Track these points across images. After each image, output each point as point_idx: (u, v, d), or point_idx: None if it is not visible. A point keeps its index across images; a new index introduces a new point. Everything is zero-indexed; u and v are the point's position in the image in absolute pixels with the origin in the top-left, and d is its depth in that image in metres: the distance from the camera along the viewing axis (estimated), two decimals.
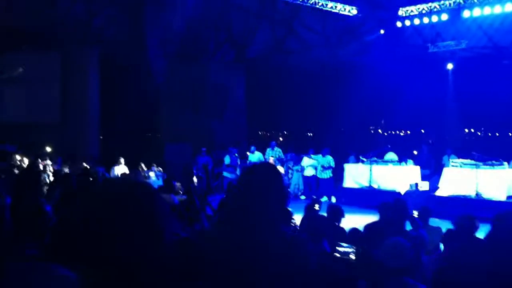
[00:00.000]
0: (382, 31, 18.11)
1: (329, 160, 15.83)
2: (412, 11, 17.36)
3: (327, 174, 15.81)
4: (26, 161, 13.36)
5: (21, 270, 1.93)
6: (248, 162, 15.91)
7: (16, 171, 11.30)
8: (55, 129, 17.05)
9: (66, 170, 12.59)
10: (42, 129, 16.80)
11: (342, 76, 20.15)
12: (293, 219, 8.31)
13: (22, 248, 2.39)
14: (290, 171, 16.86)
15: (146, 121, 20.67)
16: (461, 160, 13.58)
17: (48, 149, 15.79)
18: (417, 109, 20.31)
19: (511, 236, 1.85)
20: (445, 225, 6.67)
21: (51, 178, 11.05)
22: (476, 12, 15.92)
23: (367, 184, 14.97)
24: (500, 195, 12.11)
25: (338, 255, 4.30)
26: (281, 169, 12.34)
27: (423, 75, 19.06)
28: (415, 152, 18.24)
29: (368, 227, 5.74)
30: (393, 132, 27.75)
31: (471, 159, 13.29)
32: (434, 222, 7.21)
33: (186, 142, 17.49)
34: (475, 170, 12.72)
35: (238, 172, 15.65)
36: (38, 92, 17.66)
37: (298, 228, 7.05)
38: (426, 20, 17.00)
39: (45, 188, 7.19)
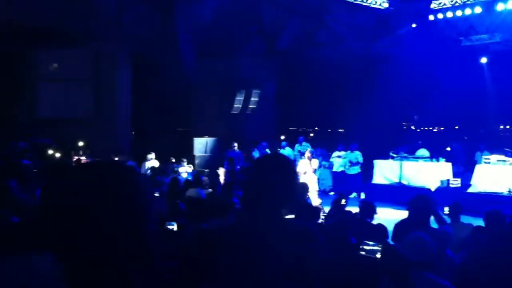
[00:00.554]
0: (414, 25, 17.81)
1: (357, 155, 15.72)
2: (445, 3, 17.01)
3: (355, 170, 15.70)
4: (58, 155, 13.66)
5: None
6: None
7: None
8: (88, 125, 17.36)
9: None
10: (76, 125, 17.13)
11: (374, 70, 19.90)
12: (324, 213, 8.31)
13: None
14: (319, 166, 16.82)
15: (177, 117, 20.86)
16: (493, 156, 13.31)
17: (81, 143, 16.11)
18: (450, 104, 19.96)
19: None
20: (477, 222, 6.55)
21: None
22: (511, 4, 15.52)
23: (397, 180, 14.81)
24: None
25: (363, 252, 4.27)
26: (315, 163, 12.34)
27: (456, 69, 18.67)
28: (448, 149, 17.94)
29: (397, 224, 5.70)
30: (426, 128, 27.32)
31: (504, 155, 13.04)
32: (466, 219, 7.10)
33: (215, 137, 17.60)
34: (507, 166, 12.46)
35: None
36: (71, 88, 18.01)
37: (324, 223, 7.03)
38: (459, 13, 16.64)
39: None
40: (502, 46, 17.36)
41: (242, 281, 2.13)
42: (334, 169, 16.19)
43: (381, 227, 6.39)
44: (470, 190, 13.14)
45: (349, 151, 16.01)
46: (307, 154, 12.64)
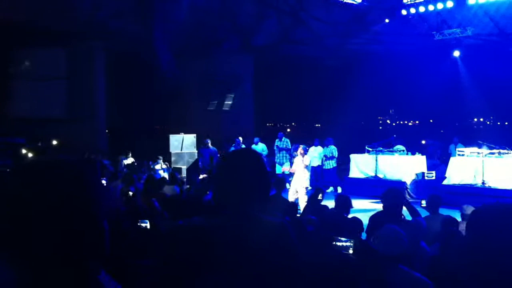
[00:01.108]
0: (387, 20, 17.94)
1: (332, 150, 15.80)
2: None
3: (331, 165, 15.80)
4: (30, 155, 13.46)
5: None
6: None
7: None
8: (62, 124, 17.13)
9: None
10: (50, 124, 16.89)
11: (350, 66, 20.04)
12: (298, 209, 8.32)
13: None
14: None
15: (154, 114, 20.73)
16: (467, 149, 13.50)
17: (55, 142, 15.89)
18: (425, 99, 20.17)
19: (489, 232, 1.80)
20: (453, 214, 6.62)
21: None
22: None
23: (373, 174, 14.92)
24: (506, 184, 12.04)
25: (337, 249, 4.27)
26: (307, 159, 12.36)
27: (430, 63, 18.89)
28: (423, 142, 18.14)
29: (371, 218, 5.74)
30: (401, 122, 27.61)
31: (477, 147, 13.23)
32: (441, 211, 7.17)
33: (191, 134, 17.51)
34: (481, 159, 12.64)
35: None
36: (45, 87, 17.73)
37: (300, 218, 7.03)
38: (431, 7, 16.81)
39: None
40: (474, 40, 17.59)
41: (217, 279, 2.10)
42: (311, 164, 16.24)
43: (356, 221, 6.42)
44: (445, 182, 13.30)
45: (325, 146, 16.10)
46: (300, 150, 12.66)
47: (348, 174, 15.76)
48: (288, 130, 28.19)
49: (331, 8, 18.36)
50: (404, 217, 5.56)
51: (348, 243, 4.25)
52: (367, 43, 18.94)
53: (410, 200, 6.99)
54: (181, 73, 18.72)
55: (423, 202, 6.95)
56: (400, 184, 13.30)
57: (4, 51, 17.27)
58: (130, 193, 7.56)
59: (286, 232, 2.18)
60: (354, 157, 15.77)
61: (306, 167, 12.07)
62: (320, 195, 8.01)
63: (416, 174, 13.90)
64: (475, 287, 1.77)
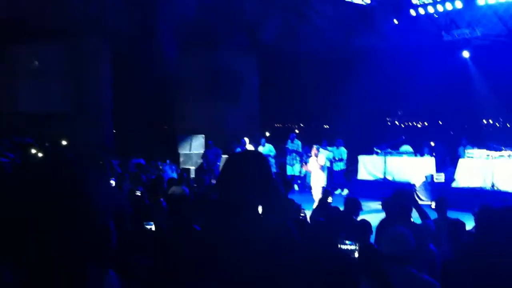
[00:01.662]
0: (395, 21, 17.86)
1: (342, 152, 15.75)
2: None
3: (339, 166, 15.74)
4: (40, 155, 13.52)
5: None
6: None
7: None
8: (68, 121, 17.17)
9: None
10: (56, 121, 16.95)
11: (357, 65, 19.91)
12: (302, 210, 8.28)
13: None
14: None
15: (159, 112, 20.70)
16: (476, 151, 13.41)
17: (64, 142, 15.95)
18: (433, 99, 20.04)
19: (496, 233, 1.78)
20: (461, 217, 6.57)
21: None
22: None
23: (381, 176, 14.86)
24: None
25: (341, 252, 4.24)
26: (322, 159, 12.37)
27: (438, 64, 18.76)
28: (432, 144, 18.02)
29: (381, 222, 5.71)
30: (409, 124, 27.44)
31: (487, 149, 13.14)
32: (450, 214, 7.12)
33: (198, 133, 17.52)
34: (490, 161, 12.55)
35: None
36: (51, 84, 17.81)
37: (306, 219, 7.00)
38: (440, 7, 16.72)
39: None
40: (483, 40, 17.48)
41: (219, 280, 2.10)
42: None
43: (365, 223, 6.38)
44: (454, 184, 13.22)
45: (335, 147, 16.03)
46: (314, 151, 12.73)
47: (356, 176, 15.70)
48: (296, 131, 28.10)
49: (338, 6, 18.29)
50: (412, 219, 5.52)
51: (353, 247, 4.20)
52: (375, 42, 18.85)
53: (419, 202, 6.95)
54: (186, 68, 18.72)
55: (433, 204, 6.92)
56: (409, 186, 13.22)
57: (9, 49, 17.39)
58: (138, 193, 7.56)
59: (288, 232, 2.18)
60: (362, 159, 15.71)
61: (322, 167, 12.11)
62: (330, 197, 7.99)
63: (425, 176, 13.82)
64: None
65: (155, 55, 17.16)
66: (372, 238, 5.70)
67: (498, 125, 24.76)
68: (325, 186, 12.01)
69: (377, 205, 11.97)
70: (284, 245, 2.12)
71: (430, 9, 16.99)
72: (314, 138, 19.72)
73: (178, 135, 17.73)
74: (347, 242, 3.68)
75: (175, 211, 5.64)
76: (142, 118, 18.97)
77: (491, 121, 25.08)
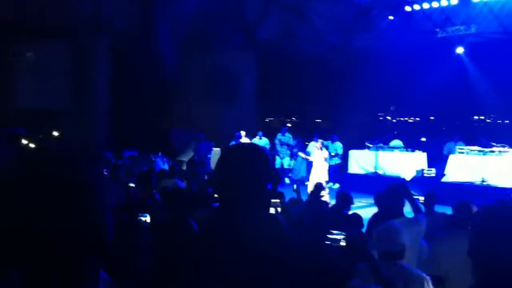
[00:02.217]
0: (391, 17, 17.89)
1: (337, 147, 15.79)
2: None
3: (334, 161, 15.79)
4: (32, 146, 13.48)
5: None
6: None
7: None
8: (66, 117, 17.17)
9: None
10: (54, 117, 16.94)
11: (352, 62, 19.95)
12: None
13: None
14: (296, 157, 16.88)
15: (157, 110, 20.66)
16: (467, 147, 13.51)
17: (56, 133, 15.91)
18: (426, 96, 20.12)
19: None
20: (450, 212, 6.63)
21: None
22: None
23: (372, 170, 14.93)
24: (506, 182, 12.04)
25: (329, 242, 4.27)
26: (325, 153, 12.49)
27: (432, 60, 18.83)
28: (423, 139, 18.13)
29: (372, 216, 5.75)
30: (401, 119, 27.54)
31: (478, 145, 13.24)
32: (439, 208, 7.19)
33: (194, 129, 17.49)
34: (481, 156, 12.65)
35: None
36: (49, 80, 17.77)
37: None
38: (435, 4, 16.76)
39: None
40: (478, 37, 17.54)
41: (218, 277, 2.09)
42: (311, 160, 16.26)
43: (356, 217, 6.43)
44: (444, 179, 13.32)
45: (330, 141, 16.10)
46: (319, 144, 12.88)
47: (347, 170, 15.76)
48: (289, 125, 28.14)
49: (335, 5, 18.30)
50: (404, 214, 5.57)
51: (340, 236, 4.22)
52: (370, 39, 18.89)
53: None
54: (183, 67, 18.71)
55: (421, 199, 6.97)
56: (402, 180, 13.29)
57: (8, 47, 17.31)
58: (132, 185, 7.56)
59: (281, 227, 2.17)
60: (353, 153, 15.78)
61: (325, 159, 12.25)
62: (322, 191, 8.04)
63: (416, 171, 13.91)
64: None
65: (153, 54, 17.14)
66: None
67: (489, 121, 24.92)
68: (327, 180, 12.17)
69: (367, 199, 12.06)
70: (278, 239, 2.11)
71: (426, 6, 17.03)
72: (307, 132, 19.79)
73: (173, 129, 17.75)
74: (334, 232, 3.69)
75: (170, 204, 5.64)
76: (139, 117, 18.94)
77: (482, 117, 25.22)
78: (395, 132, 15.97)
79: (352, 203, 6.80)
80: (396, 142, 15.20)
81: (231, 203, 2.15)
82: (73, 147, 13.90)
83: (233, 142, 16.22)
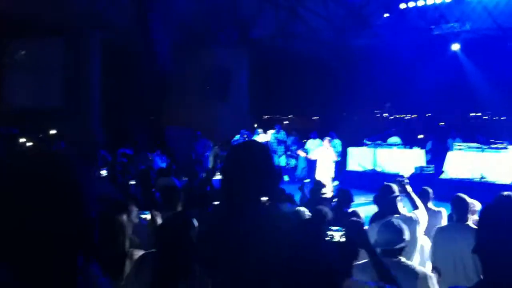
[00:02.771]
0: (386, 14, 17.89)
1: (335, 144, 15.80)
2: None
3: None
4: (28, 144, 13.44)
5: None
6: None
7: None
8: (59, 115, 17.09)
9: None
10: (46, 115, 16.86)
11: (347, 59, 19.99)
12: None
13: None
14: (291, 153, 16.91)
15: (151, 107, 20.62)
16: (465, 143, 13.54)
17: (51, 131, 15.86)
18: (422, 92, 20.16)
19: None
20: (448, 208, 6.63)
21: None
22: None
23: (371, 167, 14.94)
24: (504, 179, 12.06)
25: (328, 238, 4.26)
26: (332, 152, 12.56)
27: (428, 58, 18.85)
28: (421, 136, 18.16)
29: (373, 215, 5.76)
30: (398, 116, 27.57)
31: (476, 142, 13.26)
32: (438, 205, 7.19)
33: (188, 127, 17.48)
34: (479, 153, 12.68)
35: None
36: (41, 77, 17.70)
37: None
38: (430, 1, 16.77)
39: None
40: (472, 34, 17.57)
41: (224, 272, 2.10)
42: (310, 157, 16.26)
43: (355, 214, 6.42)
44: (442, 176, 13.33)
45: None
46: (326, 142, 12.93)
47: (345, 167, 15.77)
48: (285, 122, 28.16)
49: (329, 2, 18.30)
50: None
51: (339, 232, 4.20)
52: (365, 37, 18.89)
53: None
54: (176, 63, 18.67)
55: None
56: (399, 177, 13.28)
57: (1, 44, 17.23)
58: (132, 182, 7.55)
59: (288, 222, 2.18)
60: (352, 150, 15.79)
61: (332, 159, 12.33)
62: (324, 189, 8.01)
63: (415, 168, 13.92)
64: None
65: (147, 51, 17.11)
66: None
67: (485, 118, 24.97)
68: (333, 177, 12.21)
69: (367, 197, 12.05)
70: (283, 234, 2.11)
71: (420, 3, 17.03)
72: (303, 129, 19.81)
73: (167, 126, 17.71)
74: (333, 228, 3.68)
75: (169, 203, 5.62)
76: (135, 115, 18.91)
77: (478, 114, 25.27)
78: (393, 129, 15.99)
79: (352, 200, 6.77)
80: (394, 139, 15.22)
81: (236, 199, 2.16)
82: (67, 146, 13.90)
83: (237, 138, 16.20)
